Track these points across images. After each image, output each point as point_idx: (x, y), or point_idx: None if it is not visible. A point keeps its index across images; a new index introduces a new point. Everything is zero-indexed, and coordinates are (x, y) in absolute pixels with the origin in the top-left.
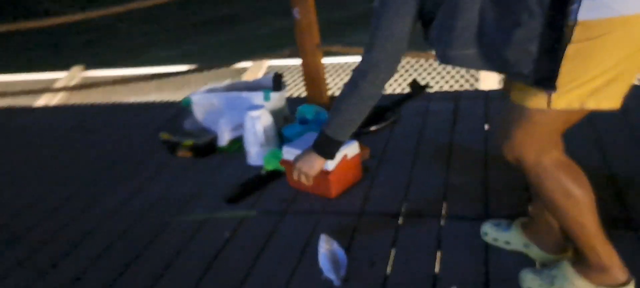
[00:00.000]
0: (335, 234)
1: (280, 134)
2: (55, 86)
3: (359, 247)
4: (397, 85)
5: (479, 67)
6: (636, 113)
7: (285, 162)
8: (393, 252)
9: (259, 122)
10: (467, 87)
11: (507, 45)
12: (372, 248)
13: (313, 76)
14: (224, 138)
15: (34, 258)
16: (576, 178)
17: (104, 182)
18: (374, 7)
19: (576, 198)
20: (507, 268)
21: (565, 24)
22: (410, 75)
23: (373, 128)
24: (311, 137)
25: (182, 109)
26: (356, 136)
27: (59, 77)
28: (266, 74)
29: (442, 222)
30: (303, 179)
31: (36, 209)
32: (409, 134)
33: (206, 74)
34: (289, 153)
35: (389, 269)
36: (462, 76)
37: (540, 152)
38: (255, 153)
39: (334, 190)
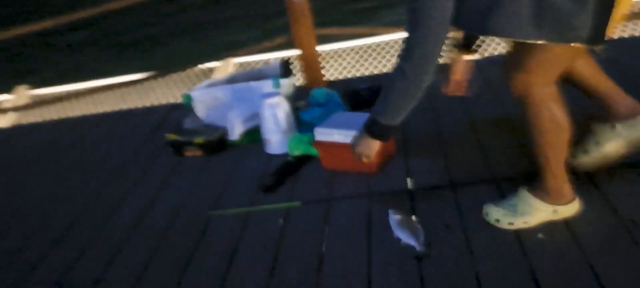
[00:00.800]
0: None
1: (298, 119)
2: (3, 107)
3: (425, 216)
4: (377, 65)
5: (526, 35)
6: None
7: (319, 144)
8: (460, 219)
9: (279, 109)
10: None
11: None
12: (441, 216)
13: (310, 62)
14: (236, 131)
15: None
16: (564, 112)
17: (111, 195)
18: None
19: (562, 128)
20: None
21: None
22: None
23: None
24: (339, 117)
25: (171, 109)
26: None
27: (4, 98)
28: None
29: (494, 187)
30: (364, 160)
31: (45, 233)
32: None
33: (170, 78)
34: (322, 134)
35: (467, 234)
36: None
37: (545, 84)
38: (277, 142)
39: (377, 166)
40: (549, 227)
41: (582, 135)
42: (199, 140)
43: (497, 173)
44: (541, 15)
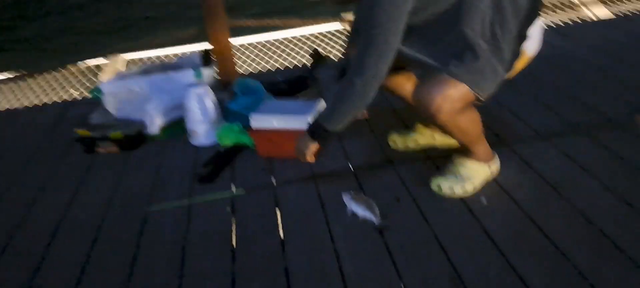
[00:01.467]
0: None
1: (223, 109)
2: None
3: (374, 191)
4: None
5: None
6: None
7: (255, 132)
8: (408, 191)
9: (205, 98)
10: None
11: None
12: (389, 190)
13: (223, 54)
14: (156, 124)
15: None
16: (472, 107)
17: (19, 196)
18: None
19: (475, 117)
20: None
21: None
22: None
23: (300, 96)
24: (273, 104)
25: (68, 105)
26: None
27: None
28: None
29: (429, 161)
30: (300, 158)
31: None
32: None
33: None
34: (259, 121)
35: (418, 204)
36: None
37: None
38: (204, 132)
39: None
40: (488, 193)
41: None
42: (115, 134)
43: (428, 149)
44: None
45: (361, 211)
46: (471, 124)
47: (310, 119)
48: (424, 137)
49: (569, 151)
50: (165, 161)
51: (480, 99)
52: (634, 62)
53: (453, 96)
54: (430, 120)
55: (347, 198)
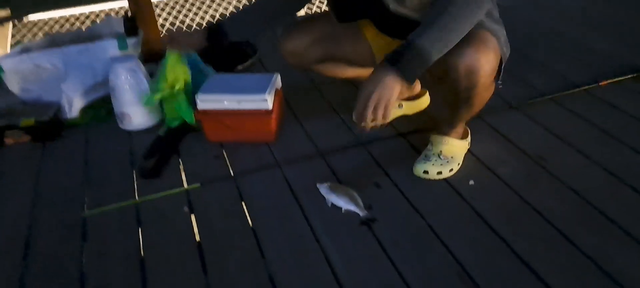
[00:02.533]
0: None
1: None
2: None
3: (350, 178)
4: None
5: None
6: None
7: (203, 114)
8: (387, 176)
9: (137, 74)
10: None
11: None
12: (367, 176)
13: (143, 14)
14: (75, 107)
15: None
16: None
17: None
18: None
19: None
20: None
21: None
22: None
23: (240, 67)
24: (220, 80)
25: None
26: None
27: None
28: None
29: (403, 139)
30: (379, 116)
31: None
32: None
33: None
34: (207, 102)
35: (401, 190)
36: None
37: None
38: (139, 115)
39: (275, 133)
40: (473, 174)
41: None
42: (26, 121)
43: (396, 124)
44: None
45: (344, 204)
46: (488, 96)
47: (268, 97)
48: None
49: (543, 120)
50: (95, 152)
51: (504, 62)
52: (601, 29)
53: (492, 58)
54: (464, 84)
55: (324, 190)
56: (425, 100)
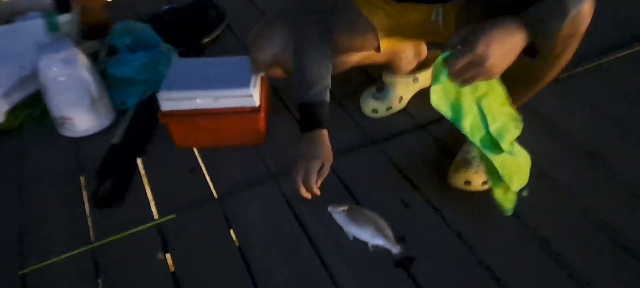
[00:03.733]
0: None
1: (104, 76)
2: None
3: (365, 195)
4: None
5: None
6: None
7: (170, 117)
8: (414, 190)
9: (76, 66)
10: None
11: None
12: (391, 192)
13: None
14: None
15: None
16: None
17: None
18: None
19: None
20: None
21: None
22: None
23: (207, 39)
24: (183, 68)
25: None
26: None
27: None
28: None
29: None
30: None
31: None
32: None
33: None
34: (173, 101)
35: (436, 208)
36: None
37: None
38: (84, 118)
39: (264, 132)
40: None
41: None
42: None
43: (419, 116)
44: None
45: (370, 237)
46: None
47: (254, 91)
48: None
49: (588, 97)
50: (31, 174)
51: None
52: None
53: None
54: (566, 30)
55: (341, 218)
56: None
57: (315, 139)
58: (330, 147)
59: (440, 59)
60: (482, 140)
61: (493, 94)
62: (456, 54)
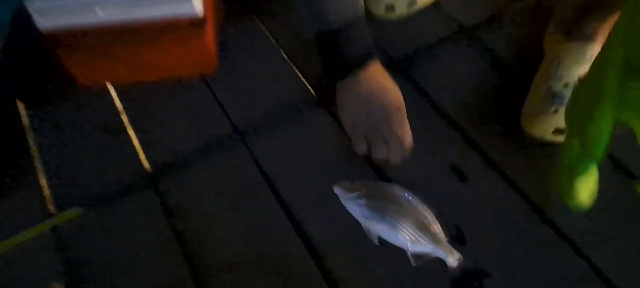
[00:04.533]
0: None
1: None
2: None
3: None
4: None
5: None
6: None
7: (57, 40)
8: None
9: None
10: None
11: None
12: (438, 164)
13: None
14: None
15: None
16: None
17: None
18: None
19: None
20: None
21: None
22: None
23: None
24: None
25: None
26: None
27: None
28: None
29: None
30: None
31: None
32: None
33: None
34: (50, 15)
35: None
36: None
37: None
38: None
39: (215, 57)
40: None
41: None
42: None
43: (464, 20)
44: None
45: (408, 240)
46: None
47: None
48: None
49: None
50: None
51: None
52: None
53: None
54: None
55: (354, 204)
56: None
57: (373, 78)
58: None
59: None
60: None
61: None
62: None
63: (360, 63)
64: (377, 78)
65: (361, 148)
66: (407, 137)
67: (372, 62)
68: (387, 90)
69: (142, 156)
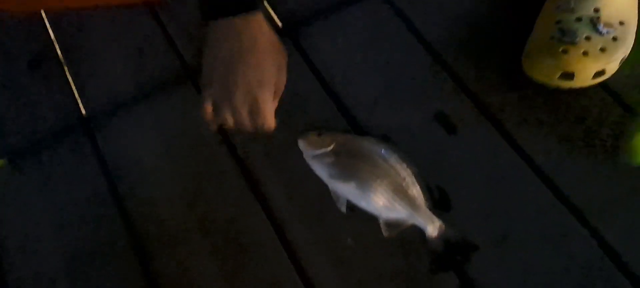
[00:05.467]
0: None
1: None
2: None
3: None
4: None
5: None
6: None
7: None
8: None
9: None
10: None
11: None
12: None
13: None
14: None
15: None
16: None
17: None
18: None
19: None
20: None
21: None
22: None
23: None
24: None
25: None
26: None
27: None
28: None
29: None
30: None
31: None
32: None
33: None
34: None
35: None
36: None
37: None
38: None
39: None
40: None
41: None
42: None
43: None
44: None
45: (381, 205)
46: None
47: None
48: None
49: None
50: None
51: None
52: None
53: None
54: None
55: (320, 163)
56: None
57: (247, 33)
58: (278, 41)
59: None
60: None
61: None
62: None
63: (235, 11)
64: (245, 34)
65: (206, 110)
66: (268, 122)
67: (250, 15)
68: (265, 51)
69: (76, 93)
